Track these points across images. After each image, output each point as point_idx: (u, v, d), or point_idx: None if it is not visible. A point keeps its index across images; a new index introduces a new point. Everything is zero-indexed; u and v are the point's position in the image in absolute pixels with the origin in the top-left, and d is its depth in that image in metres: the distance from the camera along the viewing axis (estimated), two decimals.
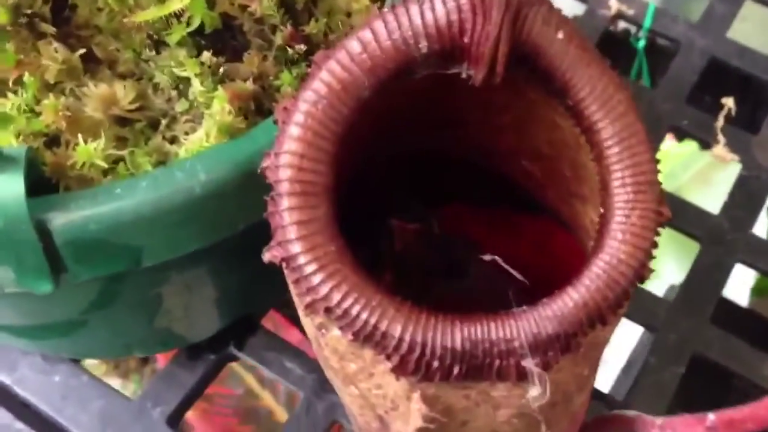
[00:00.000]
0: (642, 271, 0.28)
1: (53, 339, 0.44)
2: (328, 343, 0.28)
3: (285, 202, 0.27)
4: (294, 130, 0.27)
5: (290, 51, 0.39)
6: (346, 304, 0.26)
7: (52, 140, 0.36)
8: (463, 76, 0.28)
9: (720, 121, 0.57)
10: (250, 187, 0.33)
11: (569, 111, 0.29)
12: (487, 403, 0.28)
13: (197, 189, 0.34)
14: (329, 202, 0.27)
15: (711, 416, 0.31)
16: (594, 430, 0.36)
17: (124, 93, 0.36)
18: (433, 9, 0.27)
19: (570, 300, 0.27)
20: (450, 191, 0.39)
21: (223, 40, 0.39)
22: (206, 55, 0.37)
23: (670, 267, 0.70)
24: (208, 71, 0.37)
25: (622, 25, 0.64)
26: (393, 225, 0.38)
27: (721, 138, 0.56)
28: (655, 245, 0.28)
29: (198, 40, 0.38)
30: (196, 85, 0.37)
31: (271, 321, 0.67)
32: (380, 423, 0.31)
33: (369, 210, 0.35)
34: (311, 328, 0.28)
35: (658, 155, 0.29)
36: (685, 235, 0.53)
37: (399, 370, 0.26)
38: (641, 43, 0.63)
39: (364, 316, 0.26)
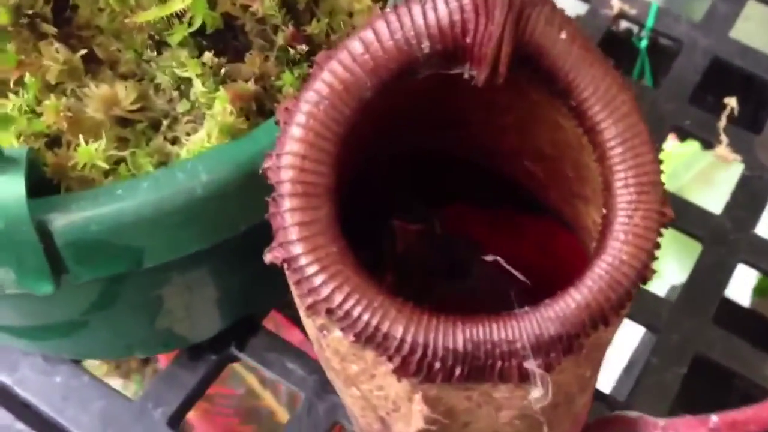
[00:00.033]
0: (645, 272, 0.28)
1: (54, 340, 0.43)
2: (330, 345, 0.28)
3: (287, 203, 0.27)
4: (295, 131, 0.27)
5: (292, 51, 0.39)
6: (347, 306, 0.26)
7: (54, 141, 0.36)
8: (466, 76, 0.28)
9: (722, 121, 0.57)
10: (252, 188, 0.33)
11: (572, 111, 0.29)
12: (489, 404, 0.28)
13: (198, 190, 0.34)
14: (331, 203, 0.27)
15: (714, 418, 0.31)
16: (596, 431, 0.36)
17: (125, 94, 0.36)
18: (435, 9, 0.27)
19: (572, 301, 0.27)
20: (452, 191, 0.39)
21: (224, 40, 0.39)
22: (208, 56, 0.37)
23: (672, 267, 0.70)
24: (209, 72, 0.37)
25: (624, 24, 0.64)
26: (395, 225, 0.38)
27: (723, 138, 0.56)
28: (657, 246, 0.28)
29: (199, 41, 0.38)
30: (198, 86, 0.37)
31: (273, 321, 0.67)
32: (382, 424, 0.30)
33: (371, 210, 0.35)
34: (313, 330, 0.28)
35: (660, 155, 0.29)
36: (687, 235, 0.53)
37: (400, 372, 0.26)
38: (643, 43, 0.63)
39: (365, 317, 0.26)
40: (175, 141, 0.37)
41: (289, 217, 0.27)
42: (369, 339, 0.26)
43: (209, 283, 0.42)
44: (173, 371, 0.46)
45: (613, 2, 0.61)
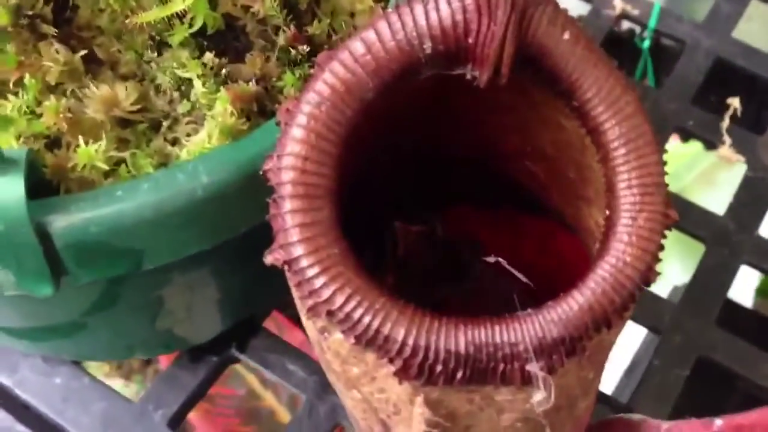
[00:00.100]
0: (648, 274, 0.27)
1: (54, 341, 0.43)
2: (331, 347, 0.28)
3: (287, 205, 0.27)
4: (297, 132, 0.27)
5: (293, 52, 0.39)
6: (348, 308, 0.26)
7: (53, 142, 0.36)
8: (468, 77, 0.28)
9: (725, 122, 0.56)
10: (253, 190, 0.33)
11: (575, 112, 0.28)
12: (491, 407, 0.28)
13: (199, 191, 0.34)
14: (332, 205, 0.27)
15: (718, 421, 0.31)
16: None
17: (125, 94, 0.36)
18: (437, 9, 0.27)
19: (575, 303, 0.27)
20: (453, 192, 0.39)
21: (225, 41, 0.39)
22: (208, 56, 0.37)
23: (675, 268, 0.69)
24: (210, 72, 0.37)
25: (626, 25, 0.63)
26: (396, 227, 0.38)
27: (726, 139, 0.56)
28: (661, 248, 0.28)
29: (200, 41, 0.38)
30: (198, 87, 0.37)
31: (274, 322, 0.67)
32: (383, 427, 0.30)
33: (372, 211, 0.34)
34: (313, 332, 0.28)
35: (663, 156, 0.28)
36: (689, 236, 0.53)
37: (402, 374, 0.26)
38: (646, 43, 0.63)
39: (366, 319, 0.26)
40: (175, 142, 0.37)
41: (289, 218, 0.26)
42: (370, 341, 0.26)
43: (210, 284, 0.42)
44: (174, 372, 0.46)
45: (616, 2, 0.61)
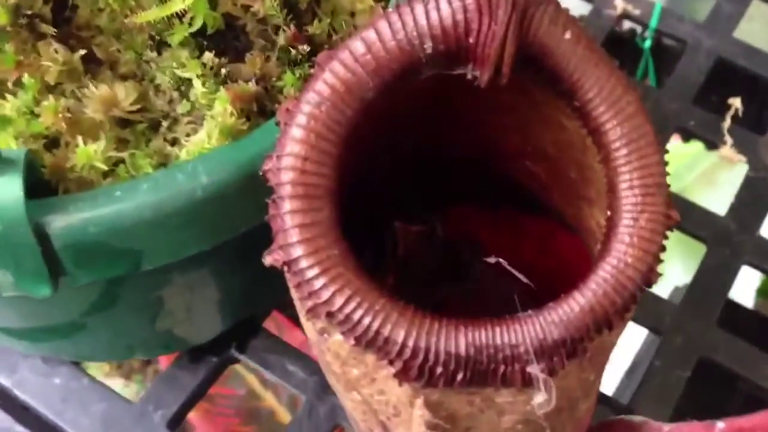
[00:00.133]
0: (650, 275, 0.27)
1: (54, 341, 0.43)
2: (330, 348, 0.27)
3: (287, 205, 0.26)
4: (296, 132, 0.27)
5: (293, 52, 0.38)
6: (348, 309, 0.26)
7: (52, 142, 0.36)
8: (469, 77, 0.28)
9: (727, 122, 0.56)
10: (252, 190, 0.33)
11: (576, 112, 0.28)
12: (491, 409, 0.27)
13: (199, 191, 0.33)
14: (332, 205, 0.27)
15: (720, 424, 0.31)
16: None
17: (125, 94, 0.36)
18: (438, 9, 0.27)
19: (576, 305, 0.27)
20: (453, 192, 0.38)
21: (225, 40, 0.39)
22: (208, 56, 0.37)
23: (676, 269, 0.69)
24: (210, 72, 0.37)
25: (627, 24, 0.63)
26: (397, 227, 0.37)
27: (727, 139, 0.56)
28: (663, 249, 0.27)
29: (200, 41, 0.38)
30: (198, 87, 0.37)
31: (274, 322, 0.67)
32: (383, 429, 0.30)
33: (372, 211, 0.34)
34: (313, 333, 0.28)
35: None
36: (690, 236, 0.53)
37: (402, 376, 0.26)
38: (647, 43, 0.63)
39: (366, 320, 0.26)
40: (175, 142, 0.37)
41: (289, 219, 0.26)
42: (370, 343, 0.26)
43: (210, 284, 0.42)
44: (173, 373, 0.46)
45: (617, 2, 0.61)
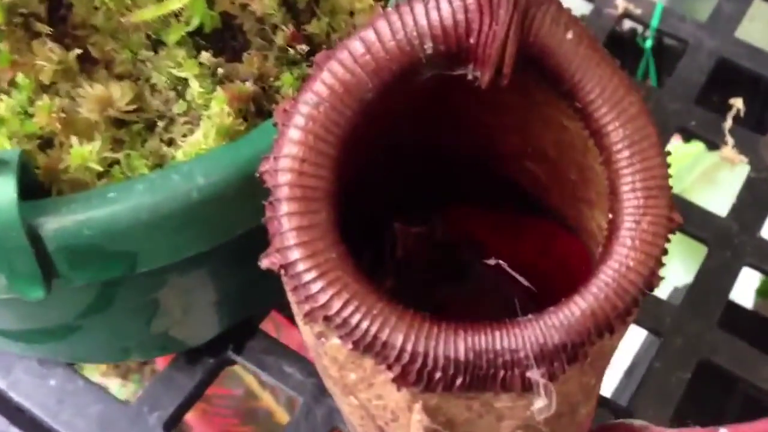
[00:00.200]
0: (652, 279, 0.27)
1: (49, 343, 0.43)
2: (328, 352, 0.27)
3: (284, 207, 0.26)
4: (294, 134, 0.27)
5: (291, 51, 0.38)
6: (346, 313, 0.26)
7: (47, 143, 0.35)
8: (469, 77, 0.28)
9: (728, 122, 0.56)
10: (250, 191, 0.32)
11: (578, 113, 0.28)
12: (490, 414, 0.27)
13: (195, 193, 0.33)
14: (330, 207, 0.27)
15: (722, 430, 0.31)
16: None
17: (120, 94, 0.36)
18: (438, 8, 0.27)
19: (577, 309, 0.26)
20: (453, 193, 0.38)
21: (222, 40, 0.38)
22: (205, 56, 0.37)
23: (676, 269, 0.69)
24: (207, 72, 0.37)
25: (628, 24, 0.63)
26: (396, 228, 0.37)
27: (729, 139, 0.55)
28: (665, 252, 0.27)
29: (197, 40, 0.38)
30: (195, 86, 0.36)
31: (272, 321, 0.67)
32: None
33: (371, 213, 0.34)
34: (310, 337, 0.28)
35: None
36: (691, 237, 0.53)
37: (400, 381, 0.26)
38: (648, 43, 0.63)
39: (364, 325, 0.26)
40: (171, 142, 0.36)
41: (286, 221, 0.26)
42: (368, 347, 0.26)
43: (206, 286, 0.41)
44: (170, 374, 0.46)
45: (618, 2, 0.61)
